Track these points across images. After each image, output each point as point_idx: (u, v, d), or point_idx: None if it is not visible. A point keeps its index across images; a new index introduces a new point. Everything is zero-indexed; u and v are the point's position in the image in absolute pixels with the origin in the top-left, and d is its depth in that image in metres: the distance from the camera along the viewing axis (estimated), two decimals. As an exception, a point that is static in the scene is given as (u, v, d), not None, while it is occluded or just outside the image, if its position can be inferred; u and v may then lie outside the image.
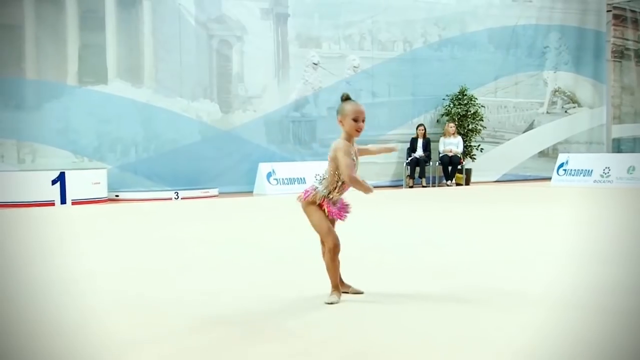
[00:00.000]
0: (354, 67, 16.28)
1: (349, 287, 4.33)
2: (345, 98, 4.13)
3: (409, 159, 16.12)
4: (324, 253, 4.14)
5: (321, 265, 4.27)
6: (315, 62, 15.89)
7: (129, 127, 13.95)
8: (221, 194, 14.15)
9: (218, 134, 14.78)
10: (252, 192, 14.56)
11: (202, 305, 4.19)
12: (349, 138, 4.05)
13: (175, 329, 3.69)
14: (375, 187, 16.29)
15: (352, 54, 16.28)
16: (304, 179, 14.70)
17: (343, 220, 4.19)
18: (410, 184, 15.98)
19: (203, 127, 14.70)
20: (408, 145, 16.34)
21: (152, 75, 14.28)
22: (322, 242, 4.17)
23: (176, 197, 13.32)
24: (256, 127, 15.08)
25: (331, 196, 4.08)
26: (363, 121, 4.03)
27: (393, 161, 16.51)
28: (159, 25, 14.32)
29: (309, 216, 4.12)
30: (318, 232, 4.13)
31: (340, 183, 4.07)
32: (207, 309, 4.11)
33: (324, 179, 4.11)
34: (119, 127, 13.85)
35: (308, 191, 4.11)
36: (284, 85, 15.57)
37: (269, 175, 14.28)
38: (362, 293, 4.30)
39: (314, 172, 14.89)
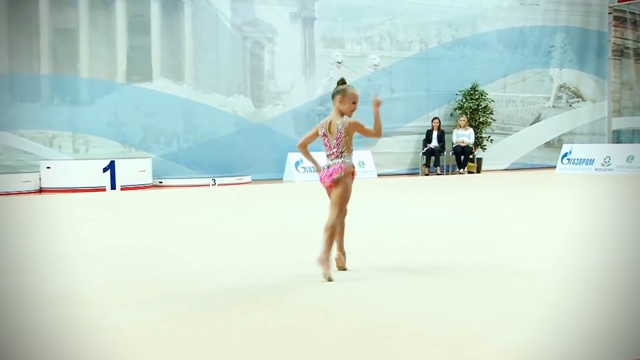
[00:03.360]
0: (374, 65, 16.26)
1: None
2: (342, 82, 4.32)
3: (425, 149, 16.12)
4: (330, 225, 4.18)
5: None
6: (339, 61, 15.89)
7: (171, 120, 14.11)
8: (253, 180, 14.25)
9: (251, 126, 14.88)
10: (281, 179, 14.60)
11: (225, 278, 4.36)
12: (342, 115, 4.27)
13: (197, 294, 3.89)
14: (393, 174, 16.08)
15: (372, 54, 16.25)
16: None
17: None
18: (426, 172, 15.96)
19: (237, 120, 14.78)
20: (424, 136, 16.35)
21: (192, 74, 14.41)
22: (337, 213, 4.22)
23: (213, 183, 13.45)
24: (285, 120, 15.16)
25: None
26: (357, 104, 4.29)
27: (410, 151, 16.52)
28: (199, 28, 14.45)
29: (345, 186, 4.23)
30: (344, 201, 4.24)
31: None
32: (228, 281, 4.27)
33: (342, 152, 4.28)
34: (162, 120, 14.00)
35: (338, 168, 4.25)
36: (310, 82, 15.63)
37: (297, 164, 14.35)
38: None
39: (337, 161, 14.99)
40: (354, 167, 4.30)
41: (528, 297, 3.67)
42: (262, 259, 5.04)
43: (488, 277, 4.20)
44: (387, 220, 7.10)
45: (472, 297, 3.69)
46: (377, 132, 4.24)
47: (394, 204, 9.12)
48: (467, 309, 3.43)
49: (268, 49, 15.23)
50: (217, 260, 5.00)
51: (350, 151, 4.29)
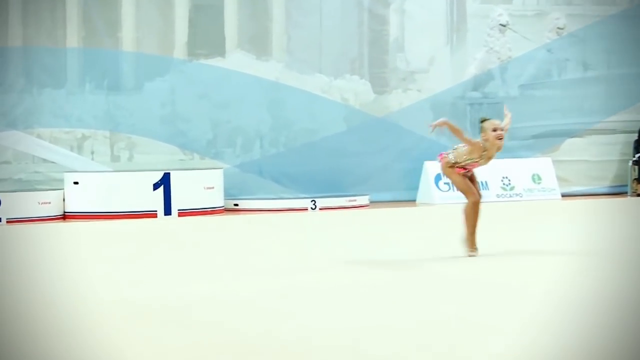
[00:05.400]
0: (558, 28, 15.97)
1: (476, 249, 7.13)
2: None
3: (637, 155, 15.64)
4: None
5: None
6: (503, 23, 15.72)
7: (253, 113, 14.25)
8: (373, 203, 14.13)
9: (369, 121, 14.87)
10: (414, 200, 14.59)
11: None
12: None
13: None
14: (585, 194, 15.57)
15: (554, 11, 15.98)
16: (486, 183, 14.31)
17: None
18: (638, 192, 15.51)
19: (349, 112, 14.83)
20: (635, 136, 15.92)
21: (283, 45, 14.59)
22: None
23: (313, 207, 13.46)
24: (421, 113, 14.98)
25: (460, 162, 6.96)
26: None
27: (613, 159, 16.10)
28: (293, -21, 14.60)
29: (449, 177, 7.19)
30: (460, 190, 7.12)
31: (468, 162, 6.98)
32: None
33: (455, 149, 7.03)
34: (239, 113, 14.18)
35: (442, 155, 7.03)
36: (458, 56, 15.55)
37: (437, 178, 14.11)
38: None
39: (500, 174, 14.54)
40: (454, 165, 7.02)
41: None
42: (375, 318, 4.72)
43: None
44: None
45: None
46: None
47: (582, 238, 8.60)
48: None
49: (395, 7, 15.29)
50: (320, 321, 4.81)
51: (459, 158, 7.04)
